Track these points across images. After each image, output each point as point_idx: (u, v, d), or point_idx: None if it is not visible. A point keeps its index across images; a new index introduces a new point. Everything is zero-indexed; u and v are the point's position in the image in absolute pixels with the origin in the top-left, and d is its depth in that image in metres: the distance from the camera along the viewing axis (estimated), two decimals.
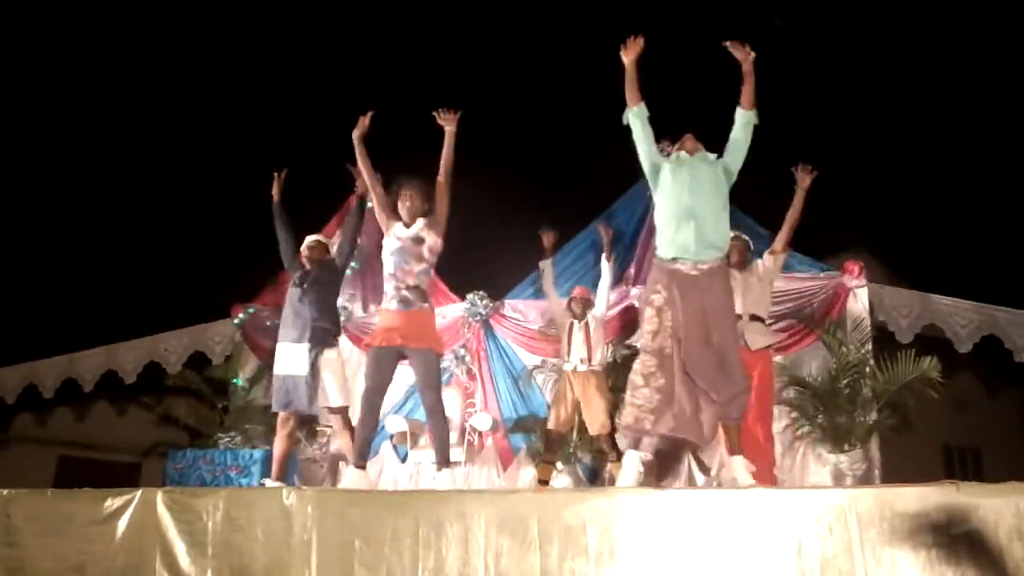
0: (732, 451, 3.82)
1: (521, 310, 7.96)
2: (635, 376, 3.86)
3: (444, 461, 4.66)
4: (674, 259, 3.93)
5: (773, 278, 5.70)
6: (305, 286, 5.21)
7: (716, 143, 4.36)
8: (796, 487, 3.82)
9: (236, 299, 8.71)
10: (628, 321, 7.44)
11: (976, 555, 2.72)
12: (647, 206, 8.09)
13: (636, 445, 3.96)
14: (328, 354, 5.13)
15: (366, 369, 4.79)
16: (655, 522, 3.12)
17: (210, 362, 8.91)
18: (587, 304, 6.32)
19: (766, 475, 4.60)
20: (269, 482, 5.00)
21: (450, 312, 8.18)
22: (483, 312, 7.96)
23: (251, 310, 8.50)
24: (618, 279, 7.73)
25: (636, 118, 4.28)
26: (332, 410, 5.20)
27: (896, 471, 6.20)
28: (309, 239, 5.52)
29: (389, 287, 4.70)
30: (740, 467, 3.82)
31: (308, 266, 5.36)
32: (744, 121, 4.18)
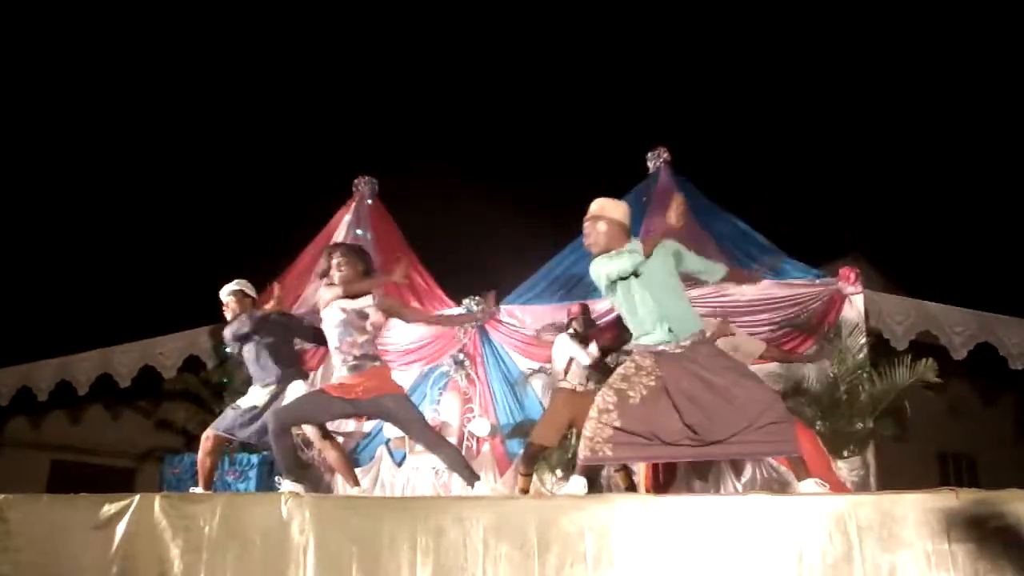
0: (800, 477, 3.74)
1: (518, 316, 7.95)
2: (591, 409, 3.87)
3: (472, 477, 4.48)
4: (656, 343, 3.91)
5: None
6: (257, 339, 5.21)
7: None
8: (796, 494, 3.80)
9: None
10: (624, 326, 7.44)
11: (975, 561, 2.74)
12: (643, 213, 8.13)
13: (584, 472, 3.94)
14: (293, 388, 5.10)
15: (300, 395, 4.77)
16: (653, 529, 3.13)
17: (205, 366, 8.88)
18: (588, 317, 6.17)
19: (833, 481, 4.54)
20: (198, 491, 4.94)
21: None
22: (479, 317, 7.95)
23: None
24: None
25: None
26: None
27: (891, 478, 6.23)
28: (226, 291, 5.42)
29: (337, 359, 4.61)
30: (811, 489, 3.69)
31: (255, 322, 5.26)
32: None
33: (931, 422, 8.70)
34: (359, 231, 9.07)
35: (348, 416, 4.79)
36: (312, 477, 7.42)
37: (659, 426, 3.74)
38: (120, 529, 4.07)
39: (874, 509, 2.89)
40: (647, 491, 4.87)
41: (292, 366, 5.27)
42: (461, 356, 7.88)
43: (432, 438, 4.60)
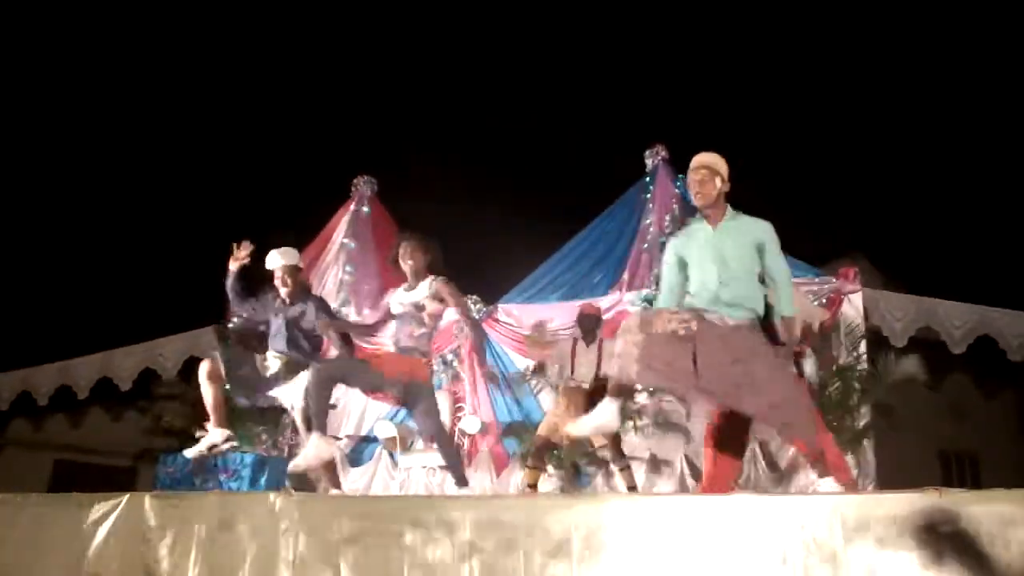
0: (821, 475, 3.81)
1: (515, 315, 7.95)
2: (618, 330, 3.72)
3: (461, 481, 4.56)
4: (704, 308, 3.74)
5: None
6: (285, 321, 4.96)
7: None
8: (783, 494, 3.80)
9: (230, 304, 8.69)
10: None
11: (960, 562, 2.71)
12: (641, 211, 8.11)
13: (618, 393, 3.81)
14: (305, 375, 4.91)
15: (335, 357, 4.76)
16: (640, 528, 3.11)
17: None
18: (597, 321, 6.08)
19: (848, 481, 4.54)
20: (211, 426, 4.86)
21: (444, 316, 8.16)
22: (476, 316, 7.94)
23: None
24: (611, 285, 7.73)
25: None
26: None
27: (892, 477, 6.19)
28: (278, 262, 5.04)
29: (390, 343, 4.70)
30: (827, 487, 3.76)
31: (284, 297, 5.03)
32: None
33: (932, 421, 8.66)
34: (352, 243, 9.08)
35: (378, 389, 4.77)
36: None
37: (677, 364, 3.56)
38: (109, 528, 4.07)
39: (859, 509, 2.86)
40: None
41: (310, 354, 4.99)
42: (449, 356, 7.88)
43: (441, 436, 4.68)
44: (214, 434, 4.90)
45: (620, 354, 3.63)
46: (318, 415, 4.49)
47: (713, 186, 3.81)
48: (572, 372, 5.88)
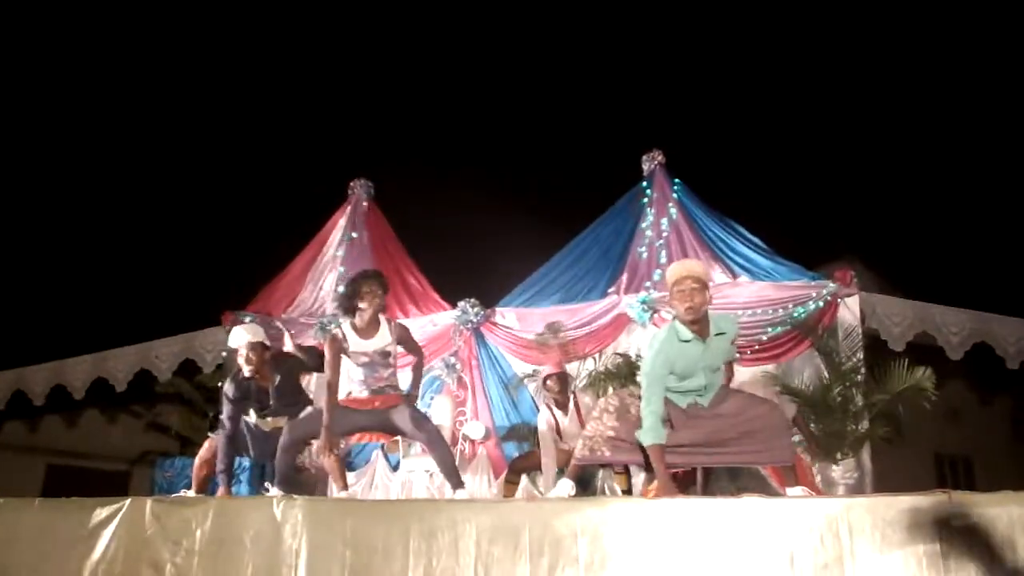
0: (788, 485, 3.87)
1: (513, 319, 7.93)
2: (593, 411, 3.99)
3: (457, 484, 4.55)
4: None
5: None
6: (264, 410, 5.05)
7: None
8: (788, 497, 3.81)
9: (226, 306, 8.68)
10: (619, 328, 7.41)
11: (968, 563, 2.72)
12: (639, 215, 8.12)
13: (576, 473, 4.06)
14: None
15: (307, 414, 4.76)
16: (646, 532, 3.11)
17: (200, 370, 8.86)
18: (564, 380, 6.04)
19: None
20: (190, 493, 4.91)
21: (441, 320, 8.15)
22: (474, 320, 7.93)
23: (247, 318, 8.43)
24: (608, 286, 7.73)
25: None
26: None
27: (888, 480, 6.20)
28: (243, 340, 5.00)
29: (359, 387, 4.62)
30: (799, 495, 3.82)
31: (248, 374, 5.04)
32: None
33: (928, 425, 8.69)
34: (354, 234, 9.07)
35: (360, 429, 4.78)
36: (305, 481, 7.40)
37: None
38: (111, 533, 4.07)
39: (866, 512, 2.88)
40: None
41: (299, 402, 5.18)
42: (452, 360, 7.86)
43: (434, 439, 4.65)
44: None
45: (591, 436, 3.87)
46: (285, 471, 4.57)
47: (703, 298, 3.67)
48: (561, 438, 5.85)
